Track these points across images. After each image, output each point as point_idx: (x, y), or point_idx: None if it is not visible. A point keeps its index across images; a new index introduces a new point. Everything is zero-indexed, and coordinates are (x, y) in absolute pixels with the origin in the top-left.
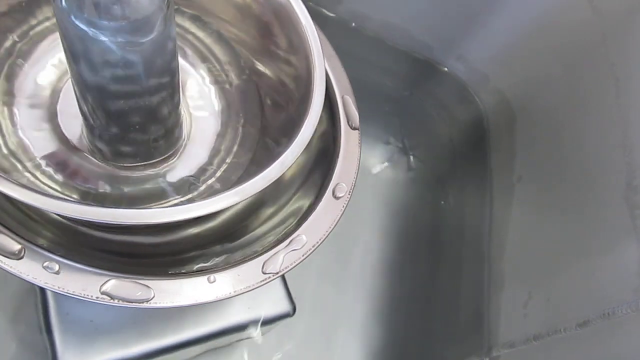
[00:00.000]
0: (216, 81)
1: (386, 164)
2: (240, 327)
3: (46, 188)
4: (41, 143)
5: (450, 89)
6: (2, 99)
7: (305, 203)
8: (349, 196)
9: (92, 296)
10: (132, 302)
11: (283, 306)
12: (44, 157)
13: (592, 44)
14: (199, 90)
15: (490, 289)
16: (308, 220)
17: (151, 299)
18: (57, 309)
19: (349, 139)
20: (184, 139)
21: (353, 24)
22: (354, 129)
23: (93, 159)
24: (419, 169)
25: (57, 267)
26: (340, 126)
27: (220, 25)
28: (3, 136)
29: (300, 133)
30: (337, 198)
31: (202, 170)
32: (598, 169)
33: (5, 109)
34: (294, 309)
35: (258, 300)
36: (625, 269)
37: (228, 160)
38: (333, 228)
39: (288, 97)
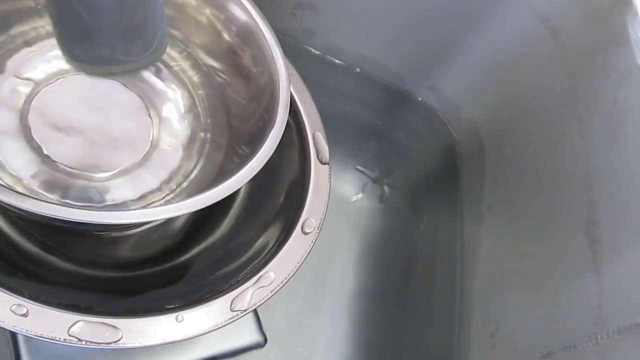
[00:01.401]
0: (186, 93)
1: (360, 193)
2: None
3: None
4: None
5: (423, 119)
6: None
7: (273, 238)
8: (317, 231)
9: (59, 338)
10: (100, 344)
11: (254, 337)
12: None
13: (558, 79)
14: (169, 104)
15: (461, 319)
16: (277, 256)
17: (119, 339)
18: (27, 344)
19: (318, 174)
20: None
21: (327, 56)
22: (324, 163)
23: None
24: (393, 197)
25: (25, 310)
26: (310, 161)
27: (190, 46)
28: None
29: (264, 146)
30: (305, 233)
31: (167, 180)
32: (561, 202)
33: None
34: (265, 340)
35: (229, 332)
36: (585, 301)
37: (192, 175)
38: (301, 264)
39: (254, 111)
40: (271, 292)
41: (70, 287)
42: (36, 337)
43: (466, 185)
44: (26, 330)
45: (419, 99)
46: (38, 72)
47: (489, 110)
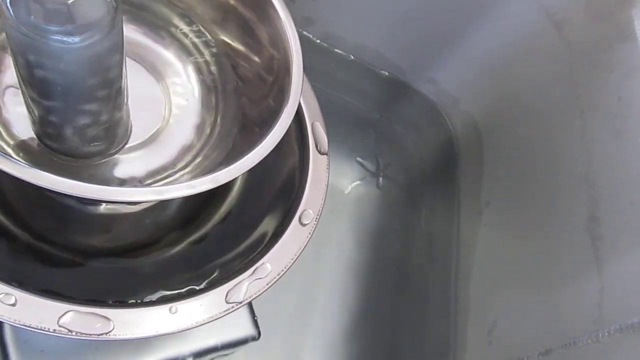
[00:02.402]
0: (198, 74)
1: (357, 184)
2: (205, 352)
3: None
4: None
5: (421, 111)
6: None
7: (270, 229)
8: (315, 223)
9: (49, 329)
10: (90, 335)
11: (248, 330)
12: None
13: (560, 74)
14: (180, 80)
15: (457, 314)
16: (273, 248)
17: (110, 331)
18: (14, 337)
19: (317, 164)
20: (127, 140)
21: (326, 45)
22: (323, 154)
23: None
24: (390, 190)
25: (13, 300)
26: (309, 151)
27: (203, 23)
28: None
29: (275, 127)
30: (303, 225)
31: (176, 159)
32: (563, 199)
33: None
34: (259, 333)
35: (222, 325)
36: (586, 299)
37: (202, 154)
38: (298, 256)
39: (267, 90)
40: (267, 284)
41: (61, 275)
42: (25, 327)
43: (464, 180)
44: (14, 320)
45: (418, 91)
46: None
47: (488, 104)
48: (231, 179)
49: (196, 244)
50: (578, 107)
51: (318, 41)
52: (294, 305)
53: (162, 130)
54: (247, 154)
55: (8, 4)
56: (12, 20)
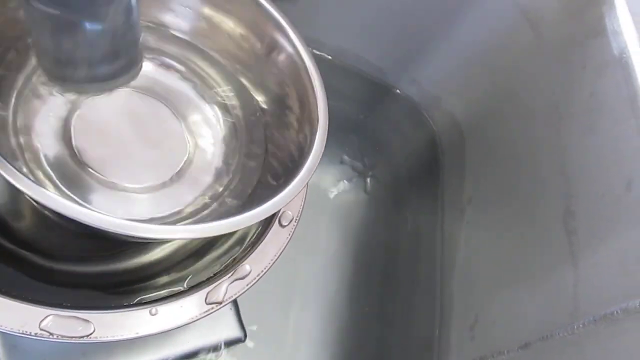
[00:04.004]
0: (225, 115)
1: (343, 185)
2: (192, 354)
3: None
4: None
5: (404, 111)
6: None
7: (250, 230)
8: (295, 224)
9: (31, 332)
10: (71, 338)
11: (234, 332)
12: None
13: (536, 71)
14: (205, 120)
15: (442, 311)
16: (253, 249)
17: (91, 333)
18: (3, 341)
19: None
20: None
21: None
22: None
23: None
24: (375, 190)
25: None
26: None
27: (236, 72)
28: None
29: (298, 177)
30: (282, 226)
31: (202, 196)
32: (540, 194)
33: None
34: (245, 335)
35: (208, 327)
36: (562, 293)
37: (226, 192)
38: (278, 257)
39: (290, 140)
40: (247, 285)
41: (42, 281)
42: (7, 332)
43: (447, 178)
44: None
45: (400, 92)
46: None
47: (469, 103)
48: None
49: (178, 247)
50: (553, 103)
51: None
52: (280, 306)
53: (184, 171)
54: (266, 202)
55: None
56: None
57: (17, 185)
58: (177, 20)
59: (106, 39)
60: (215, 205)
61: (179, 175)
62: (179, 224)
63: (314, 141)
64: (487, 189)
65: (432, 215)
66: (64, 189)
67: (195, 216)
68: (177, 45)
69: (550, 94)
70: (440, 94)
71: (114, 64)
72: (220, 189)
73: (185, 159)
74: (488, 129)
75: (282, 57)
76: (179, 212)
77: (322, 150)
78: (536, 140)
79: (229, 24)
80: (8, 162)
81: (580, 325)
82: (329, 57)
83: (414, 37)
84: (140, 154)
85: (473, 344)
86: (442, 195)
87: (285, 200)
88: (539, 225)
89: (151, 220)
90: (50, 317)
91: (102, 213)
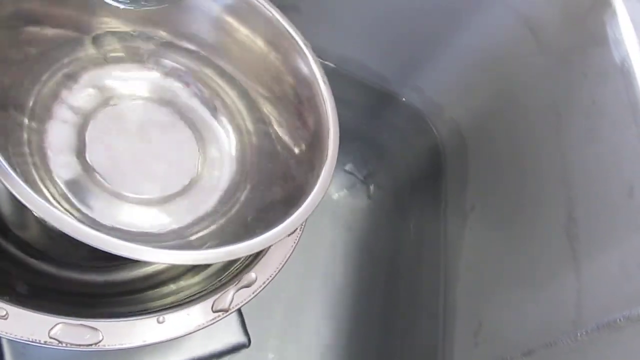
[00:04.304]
0: (239, 137)
1: (346, 192)
2: None
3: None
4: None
5: (407, 119)
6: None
7: None
8: (300, 232)
9: (40, 340)
10: (80, 346)
11: (238, 338)
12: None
13: (538, 79)
14: (216, 136)
15: (446, 318)
16: (259, 257)
17: (100, 341)
18: (11, 348)
19: None
20: None
21: None
22: None
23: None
24: (379, 196)
25: (4, 312)
26: None
27: (251, 91)
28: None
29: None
30: (288, 234)
31: (197, 221)
32: (542, 201)
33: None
34: (249, 340)
35: (213, 333)
36: (565, 300)
37: (229, 215)
38: (284, 265)
39: (299, 163)
40: (253, 292)
41: (50, 289)
42: (16, 340)
43: (450, 185)
44: (6, 333)
45: (403, 99)
46: (92, 99)
47: (471, 110)
48: (239, 256)
49: None
50: (555, 111)
51: None
52: (284, 312)
53: (190, 188)
54: (261, 234)
55: None
56: None
57: (23, 201)
58: (198, 36)
59: None
60: (214, 227)
61: (184, 190)
62: (173, 242)
63: (319, 176)
64: (489, 196)
65: (435, 222)
66: (70, 197)
67: (195, 235)
68: (196, 61)
69: (552, 101)
70: (443, 101)
71: None
72: (223, 210)
73: (193, 176)
74: (490, 136)
75: (304, 90)
76: (179, 230)
77: (330, 179)
78: (538, 147)
79: (253, 43)
80: (18, 177)
81: (584, 333)
82: (333, 66)
83: (417, 45)
84: (149, 166)
85: (477, 351)
86: (445, 202)
87: (280, 234)
88: (541, 232)
89: (150, 236)
90: (60, 325)
91: (94, 229)
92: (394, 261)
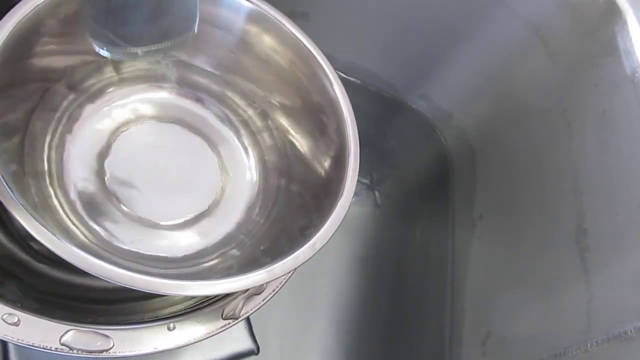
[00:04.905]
0: (259, 155)
1: (353, 199)
2: None
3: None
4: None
5: (415, 127)
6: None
7: None
8: None
9: (51, 347)
10: (91, 353)
11: (246, 345)
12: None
13: (548, 89)
14: (237, 158)
15: (453, 327)
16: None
17: (110, 348)
18: (18, 355)
19: None
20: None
21: None
22: None
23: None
24: (386, 204)
25: (16, 319)
26: None
27: (272, 107)
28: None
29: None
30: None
31: (222, 243)
32: (552, 211)
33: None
34: (258, 347)
35: (221, 340)
36: (575, 310)
37: (253, 233)
38: (293, 272)
39: (318, 183)
40: (263, 300)
41: (61, 296)
42: (28, 347)
43: (458, 194)
44: (18, 340)
45: (411, 107)
46: (111, 121)
47: (480, 118)
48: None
49: None
50: (565, 120)
51: None
52: (291, 319)
53: (213, 209)
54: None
55: None
56: None
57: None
58: (215, 58)
59: None
60: (235, 251)
61: (203, 215)
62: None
63: (335, 206)
64: (497, 205)
65: (443, 231)
66: (88, 221)
67: (211, 262)
68: (215, 81)
69: (562, 111)
70: (451, 109)
71: (164, 21)
72: (241, 237)
73: (213, 199)
74: (499, 144)
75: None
76: (196, 255)
77: (352, 194)
78: (548, 157)
79: (271, 59)
80: (27, 208)
81: (594, 343)
82: (342, 74)
83: (425, 53)
84: (169, 190)
85: None
86: (453, 210)
87: (296, 263)
88: (551, 242)
89: (169, 262)
90: (71, 332)
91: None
92: (400, 269)
